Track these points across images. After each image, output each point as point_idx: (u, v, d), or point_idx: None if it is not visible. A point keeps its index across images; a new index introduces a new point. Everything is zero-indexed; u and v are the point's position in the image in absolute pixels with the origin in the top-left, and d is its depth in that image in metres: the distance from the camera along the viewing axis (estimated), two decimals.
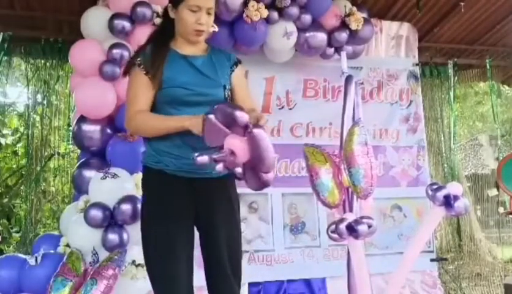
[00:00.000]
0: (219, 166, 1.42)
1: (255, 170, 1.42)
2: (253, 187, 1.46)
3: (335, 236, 1.60)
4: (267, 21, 2.99)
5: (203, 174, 1.68)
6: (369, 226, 1.58)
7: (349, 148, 1.69)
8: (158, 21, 2.59)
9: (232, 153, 1.38)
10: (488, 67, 4.98)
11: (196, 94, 1.75)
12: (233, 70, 1.90)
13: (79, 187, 2.41)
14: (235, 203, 1.81)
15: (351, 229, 1.56)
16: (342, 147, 1.82)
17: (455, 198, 1.60)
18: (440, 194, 1.62)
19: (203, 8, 1.77)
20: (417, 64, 4.22)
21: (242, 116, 1.38)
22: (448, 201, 1.60)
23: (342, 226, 1.58)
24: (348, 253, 1.75)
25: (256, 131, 1.36)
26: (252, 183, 1.45)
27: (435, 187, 1.65)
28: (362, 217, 1.60)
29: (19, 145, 5.97)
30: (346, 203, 1.76)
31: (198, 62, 1.82)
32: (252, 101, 1.93)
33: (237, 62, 1.91)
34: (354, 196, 1.74)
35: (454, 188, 1.63)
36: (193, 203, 1.76)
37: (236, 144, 1.38)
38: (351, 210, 1.74)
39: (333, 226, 1.60)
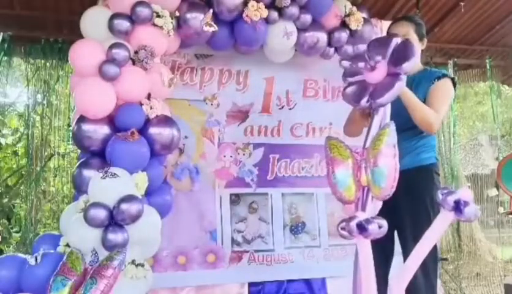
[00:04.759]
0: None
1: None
2: None
3: (345, 233, 1.60)
4: (267, 21, 2.98)
5: None
6: (380, 227, 1.58)
7: (377, 147, 1.69)
8: (158, 21, 2.59)
9: None
10: (488, 67, 4.98)
11: None
12: (432, 83, 2.43)
13: (79, 187, 2.40)
14: None
15: (362, 228, 1.56)
16: (365, 146, 1.80)
17: (466, 203, 1.61)
18: (451, 199, 1.63)
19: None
20: None
21: None
22: (458, 207, 1.61)
23: (353, 224, 1.57)
24: (356, 252, 1.74)
25: None
26: None
27: (445, 191, 1.65)
28: (373, 217, 1.60)
29: (19, 145, 5.97)
30: (360, 201, 1.75)
31: None
32: (436, 106, 2.36)
33: (440, 77, 2.45)
34: (370, 196, 1.74)
35: (464, 193, 1.64)
36: None
37: None
38: (364, 209, 1.73)
39: (343, 223, 1.60)
